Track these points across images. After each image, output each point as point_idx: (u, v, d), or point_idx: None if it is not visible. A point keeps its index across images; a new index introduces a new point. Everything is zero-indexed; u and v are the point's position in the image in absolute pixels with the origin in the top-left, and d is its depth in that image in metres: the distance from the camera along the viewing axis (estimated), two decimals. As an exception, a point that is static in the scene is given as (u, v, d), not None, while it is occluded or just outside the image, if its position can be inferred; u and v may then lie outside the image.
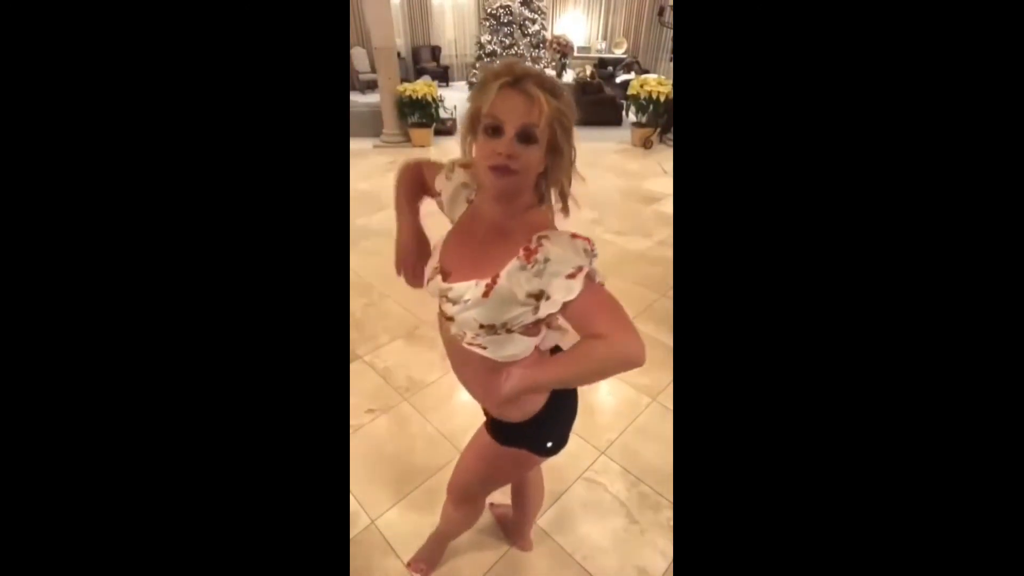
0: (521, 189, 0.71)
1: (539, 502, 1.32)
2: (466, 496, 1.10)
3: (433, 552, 1.32)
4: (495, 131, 0.66)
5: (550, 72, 7.96)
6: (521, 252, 0.67)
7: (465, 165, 0.83)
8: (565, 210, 0.76)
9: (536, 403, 0.86)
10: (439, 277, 0.78)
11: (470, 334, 0.75)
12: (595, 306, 0.67)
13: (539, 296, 0.67)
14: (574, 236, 0.67)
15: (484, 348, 0.76)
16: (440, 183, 0.88)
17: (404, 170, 0.93)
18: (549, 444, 0.90)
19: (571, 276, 0.65)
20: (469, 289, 0.71)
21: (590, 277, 0.67)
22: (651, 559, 1.38)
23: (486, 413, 0.94)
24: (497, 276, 0.69)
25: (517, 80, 0.64)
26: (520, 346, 0.78)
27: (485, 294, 0.70)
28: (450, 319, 0.75)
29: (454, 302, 0.73)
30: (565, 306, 0.67)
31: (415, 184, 0.94)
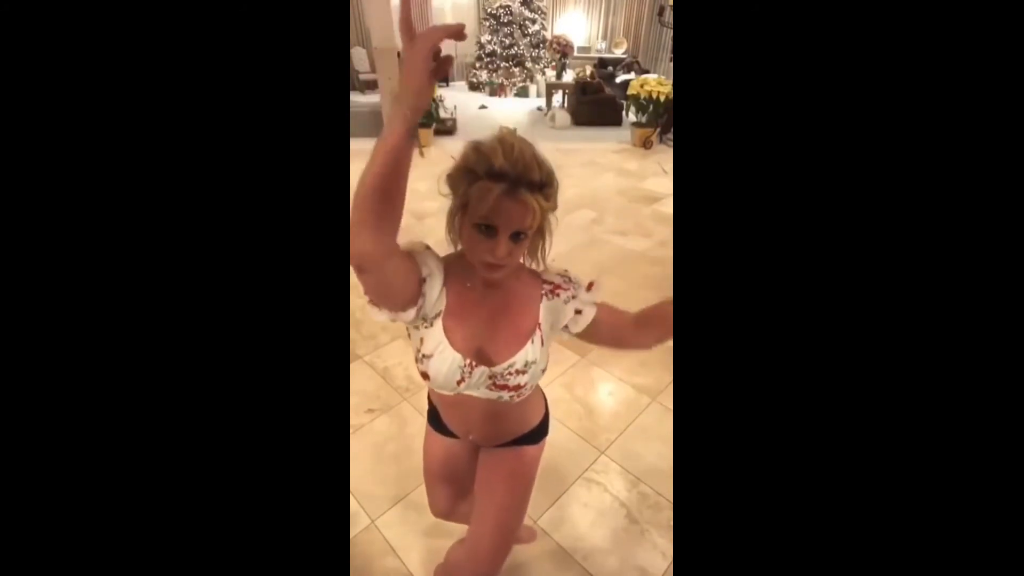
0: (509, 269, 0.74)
1: None
2: (512, 537, 1.06)
3: None
4: (488, 230, 0.67)
5: (550, 73, 7.97)
6: (547, 291, 0.81)
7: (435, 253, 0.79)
8: (538, 263, 0.81)
9: (542, 392, 1.00)
10: (482, 369, 0.77)
11: (531, 384, 0.81)
12: (611, 307, 0.83)
13: (577, 312, 0.81)
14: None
15: (529, 389, 0.84)
16: (425, 273, 0.75)
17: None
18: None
19: (589, 288, 0.82)
20: (528, 350, 0.78)
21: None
22: (651, 559, 1.38)
23: (524, 434, 0.96)
24: (537, 325, 0.79)
25: (514, 186, 0.64)
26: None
27: (542, 343, 0.80)
28: (515, 388, 0.80)
29: (525, 371, 0.78)
30: (598, 309, 0.81)
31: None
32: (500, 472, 0.97)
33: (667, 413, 1.88)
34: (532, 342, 0.78)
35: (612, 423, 1.84)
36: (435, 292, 0.75)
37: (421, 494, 1.55)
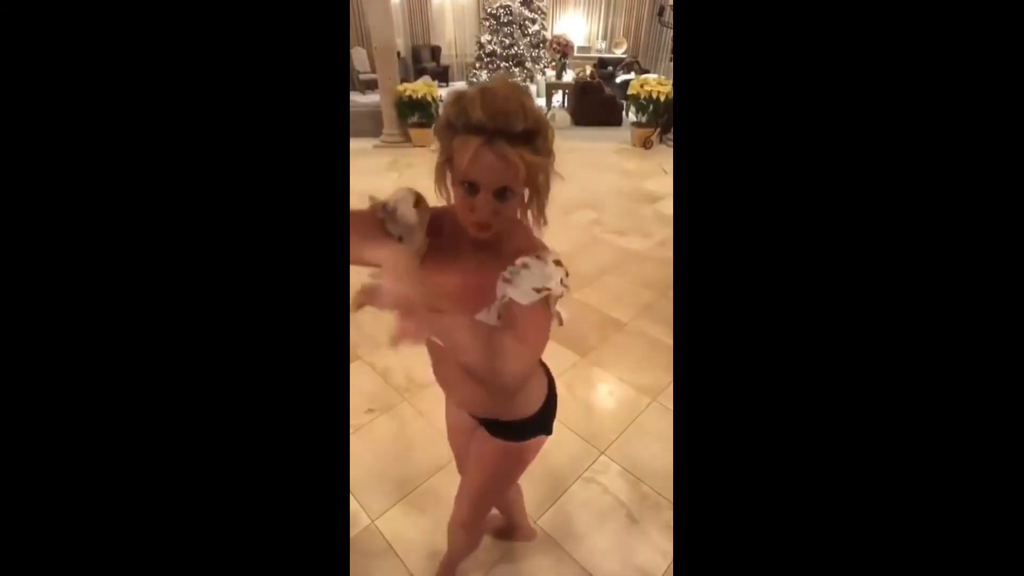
0: (501, 229, 0.69)
1: (519, 489, 1.33)
2: (483, 507, 1.09)
3: None
4: (471, 187, 0.63)
5: (550, 73, 7.96)
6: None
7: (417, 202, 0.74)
8: (540, 223, 0.74)
9: (543, 392, 0.92)
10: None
11: None
12: (532, 323, 0.67)
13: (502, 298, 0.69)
14: (558, 263, 0.68)
15: None
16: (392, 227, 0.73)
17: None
18: (552, 421, 0.96)
19: (536, 290, 0.66)
20: (483, 317, 0.71)
21: (547, 301, 0.67)
22: (651, 559, 1.38)
23: (488, 422, 0.93)
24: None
25: (492, 138, 0.60)
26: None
27: (498, 316, 0.71)
28: None
29: None
30: (510, 305, 0.67)
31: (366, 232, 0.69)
32: (478, 455, 0.98)
33: (667, 413, 1.88)
34: (488, 311, 0.71)
35: (612, 423, 1.83)
36: (415, 244, 0.74)
37: (421, 494, 1.55)
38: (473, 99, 0.60)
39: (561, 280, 0.68)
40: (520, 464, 0.99)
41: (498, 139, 0.60)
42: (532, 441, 0.94)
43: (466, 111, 0.61)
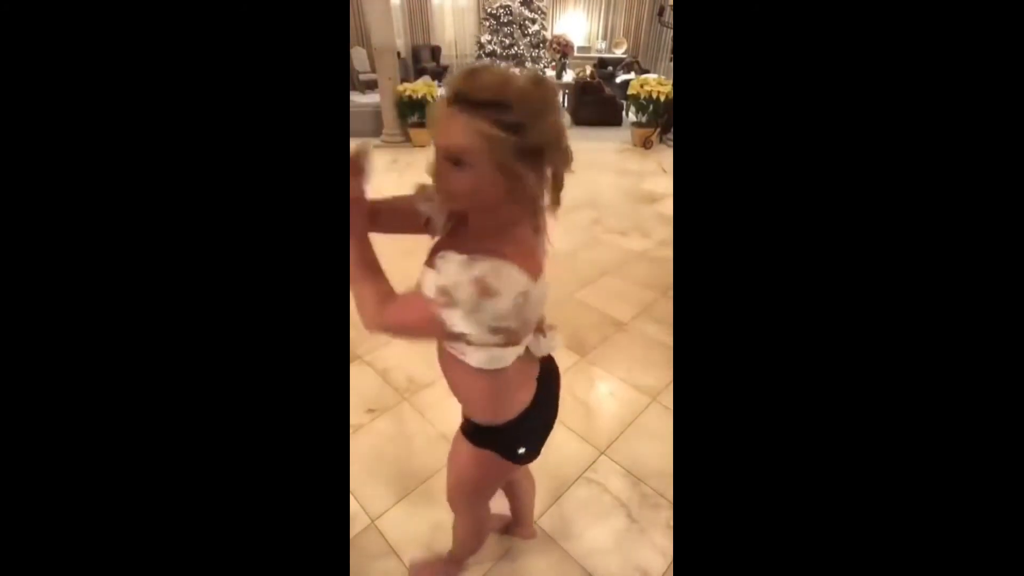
0: (478, 209, 0.68)
1: (532, 490, 1.33)
2: (460, 506, 1.07)
3: (448, 573, 1.31)
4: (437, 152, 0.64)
5: (550, 73, 7.96)
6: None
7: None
8: (544, 221, 0.71)
9: (513, 408, 0.85)
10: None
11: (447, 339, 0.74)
12: (402, 302, 0.69)
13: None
14: (482, 286, 0.60)
15: (463, 354, 0.76)
16: (424, 207, 0.82)
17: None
18: (521, 451, 0.89)
19: (438, 288, 0.62)
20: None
21: (433, 305, 0.62)
22: (651, 559, 1.38)
23: (465, 417, 0.92)
24: None
25: (452, 99, 0.60)
26: (493, 353, 0.75)
27: None
28: None
29: None
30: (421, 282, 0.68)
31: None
32: (453, 439, 0.97)
33: (667, 413, 1.88)
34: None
35: (612, 423, 1.83)
36: (439, 224, 0.81)
37: (421, 494, 1.55)
38: (456, 76, 0.63)
39: (475, 296, 0.59)
40: (469, 470, 0.94)
41: (455, 104, 0.59)
42: (482, 453, 0.89)
43: (446, 86, 0.64)
